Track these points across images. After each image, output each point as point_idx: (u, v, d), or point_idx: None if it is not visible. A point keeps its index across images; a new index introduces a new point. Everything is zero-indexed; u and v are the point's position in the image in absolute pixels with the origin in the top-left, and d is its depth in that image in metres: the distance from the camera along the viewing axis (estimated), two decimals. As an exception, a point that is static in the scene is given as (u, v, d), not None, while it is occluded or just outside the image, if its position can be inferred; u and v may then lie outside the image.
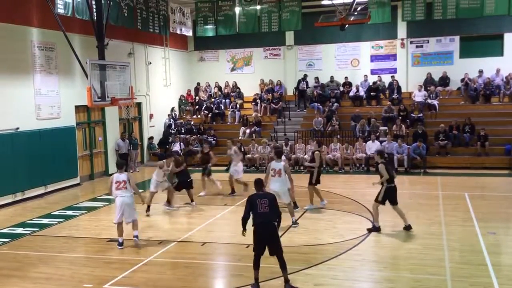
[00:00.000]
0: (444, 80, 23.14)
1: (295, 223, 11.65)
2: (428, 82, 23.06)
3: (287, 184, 11.85)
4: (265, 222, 7.85)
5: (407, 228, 11.01)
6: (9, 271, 9.21)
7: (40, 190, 16.13)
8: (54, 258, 9.93)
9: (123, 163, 11.20)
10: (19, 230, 12.10)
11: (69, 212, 13.85)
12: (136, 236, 10.47)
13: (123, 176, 10.42)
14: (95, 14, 15.79)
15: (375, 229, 11.01)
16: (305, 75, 24.31)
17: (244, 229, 8.09)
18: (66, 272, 9.12)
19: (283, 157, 12.56)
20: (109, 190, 10.75)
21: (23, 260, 9.83)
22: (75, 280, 8.70)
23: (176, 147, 21.85)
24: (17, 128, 15.35)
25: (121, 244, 10.36)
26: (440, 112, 21.85)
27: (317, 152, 13.32)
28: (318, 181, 13.24)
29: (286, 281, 7.95)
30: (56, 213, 13.84)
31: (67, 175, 17.39)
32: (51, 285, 8.52)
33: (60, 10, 16.47)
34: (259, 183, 8.43)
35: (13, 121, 15.18)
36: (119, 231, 10.41)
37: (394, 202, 11.03)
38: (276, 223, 8.00)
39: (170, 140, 22.53)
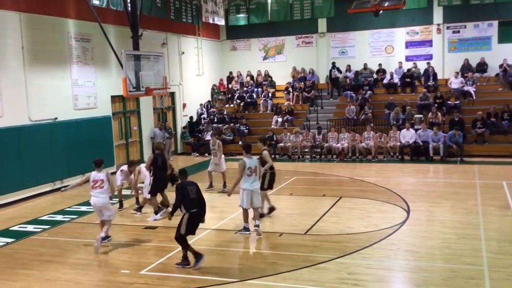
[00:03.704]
0: (482, 66, 22.50)
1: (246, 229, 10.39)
2: (465, 68, 22.48)
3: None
4: (197, 209, 8.54)
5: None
6: (49, 257, 9.49)
7: (78, 178, 16.49)
8: (93, 244, 10.18)
9: (102, 161, 10.17)
10: (59, 217, 12.46)
11: (106, 200, 14.13)
12: (104, 237, 9.72)
13: (101, 175, 9.85)
14: (129, 4, 16.03)
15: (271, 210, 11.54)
16: (333, 63, 24.04)
17: (172, 215, 8.74)
18: (104, 258, 9.36)
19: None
20: (76, 184, 10.64)
21: (62, 247, 10.11)
22: (113, 266, 8.93)
23: (208, 136, 22.09)
24: (56, 118, 15.74)
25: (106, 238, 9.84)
26: (478, 99, 21.29)
27: None
28: None
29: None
30: (94, 201, 14.13)
31: (104, 164, 17.66)
32: (90, 271, 8.75)
33: (96, 2, 16.80)
34: (185, 172, 8.95)
35: (51, 111, 15.56)
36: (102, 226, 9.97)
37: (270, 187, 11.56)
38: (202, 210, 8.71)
39: (201, 129, 22.76)
